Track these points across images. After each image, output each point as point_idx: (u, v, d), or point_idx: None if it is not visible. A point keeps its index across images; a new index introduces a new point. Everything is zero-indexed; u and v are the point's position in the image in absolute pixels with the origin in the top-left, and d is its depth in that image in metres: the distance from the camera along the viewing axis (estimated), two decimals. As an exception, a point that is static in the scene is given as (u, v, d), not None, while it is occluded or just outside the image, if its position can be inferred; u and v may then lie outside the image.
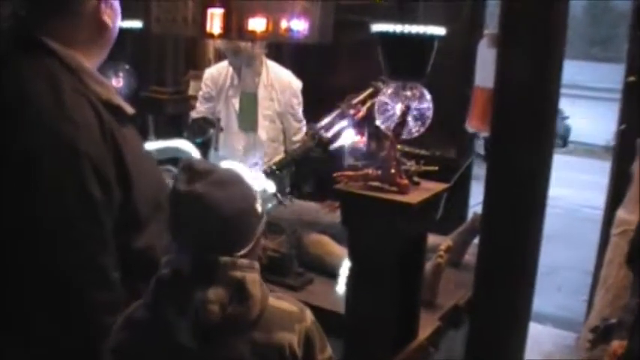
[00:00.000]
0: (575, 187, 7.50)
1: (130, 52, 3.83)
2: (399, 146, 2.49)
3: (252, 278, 1.71)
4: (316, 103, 3.92)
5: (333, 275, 2.96)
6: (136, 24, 3.52)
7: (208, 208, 1.68)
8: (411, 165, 2.49)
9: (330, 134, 3.31)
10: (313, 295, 2.86)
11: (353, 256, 2.49)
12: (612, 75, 6.95)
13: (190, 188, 1.68)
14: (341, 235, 3.02)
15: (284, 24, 3.09)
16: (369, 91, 3.25)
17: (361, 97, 3.28)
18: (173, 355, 1.69)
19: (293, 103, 4.09)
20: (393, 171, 2.39)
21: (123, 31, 2.13)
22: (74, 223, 1.80)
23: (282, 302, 1.80)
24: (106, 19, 1.98)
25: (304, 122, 4.10)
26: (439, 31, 2.56)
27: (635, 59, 4.20)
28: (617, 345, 2.58)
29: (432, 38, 2.57)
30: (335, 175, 2.48)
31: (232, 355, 1.69)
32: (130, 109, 1.97)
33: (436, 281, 2.81)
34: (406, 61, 2.62)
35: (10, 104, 1.82)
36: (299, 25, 3.06)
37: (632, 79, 4.11)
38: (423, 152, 2.86)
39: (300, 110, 4.13)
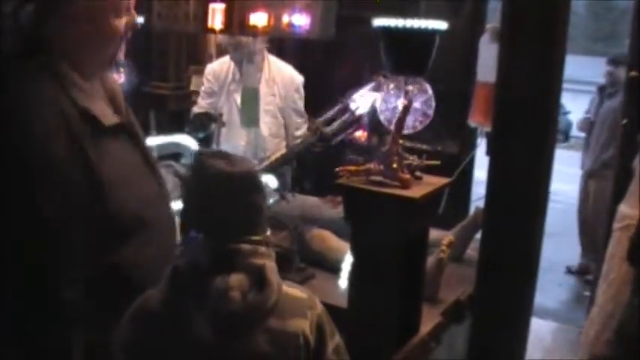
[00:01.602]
0: (576, 182, 7.47)
1: (131, 48, 3.83)
2: (400, 141, 2.49)
3: (271, 266, 1.75)
4: (318, 98, 3.92)
5: (335, 270, 2.95)
6: (138, 19, 3.52)
7: (251, 188, 1.74)
8: (413, 160, 2.48)
9: (331, 129, 3.31)
10: (315, 290, 2.83)
11: (355, 251, 2.49)
12: (614, 70, 6.91)
13: (243, 169, 1.73)
14: (343, 230, 3.02)
15: (285, 19, 3.10)
16: (371, 85, 3.25)
17: (363, 91, 3.28)
18: (189, 349, 1.69)
19: (295, 98, 4.09)
20: (395, 166, 2.38)
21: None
22: (22, 234, 1.74)
23: (293, 289, 1.83)
24: (79, 26, 1.88)
25: (306, 117, 4.09)
26: (441, 25, 2.56)
27: (637, 55, 4.19)
28: None
29: (433, 32, 2.56)
30: (337, 169, 2.47)
31: (250, 346, 1.70)
32: (107, 121, 1.88)
33: (438, 276, 2.81)
34: (408, 55, 2.62)
35: None
36: (301, 20, 3.05)
37: (634, 74, 4.10)
38: (425, 147, 2.86)
39: (301, 105, 4.13)
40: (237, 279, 1.66)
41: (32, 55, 1.85)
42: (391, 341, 2.50)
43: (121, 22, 1.96)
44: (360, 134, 3.61)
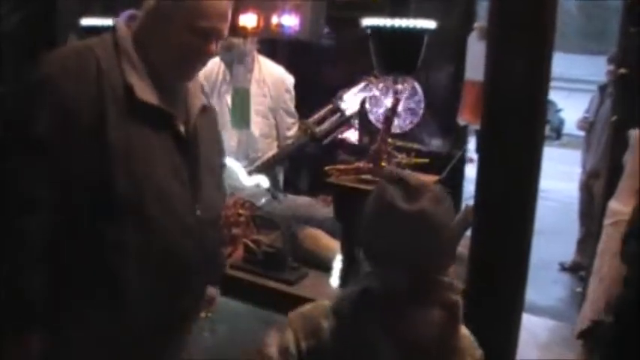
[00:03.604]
0: (569, 180, 7.47)
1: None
2: (390, 140, 2.50)
3: (461, 302, 1.68)
4: (309, 99, 3.93)
5: (327, 269, 2.96)
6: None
7: (436, 227, 1.63)
8: (402, 158, 2.50)
9: (322, 129, 3.33)
10: (308, 288, 2.87)
11: (346, 249, 2.50)
12: (604, 69, 6.95)
13: (419, 207, 1.61)
14: (335, 229, 3.04)
15: (275, 20, 3.11)
16: (361, 85, 3.27)
17: (353, 91, 3.29)
18: None
19: (285, 98, 4.08)
20: (384, 164, 2.40)
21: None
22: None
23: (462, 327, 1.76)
24: (155, 29, 2.00)
25: (297, 118, 4.09)
26: (429, 24, 2.57)
27: (626, 52, 4.22)
28: None
29: (422, 32, 2.58)
30: (326, 168, 2.49)
31: None
32: (143, 95, 1.93)
33: (429, 273, 2.82)
34: (397, 55, 2.64)
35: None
36: (290, 21, 3.07)
37: (623, 71, 4.13)
38: (416, 146, 2.87)
39: (292, 106, 4.12)
40: (437, 314, 1.62)
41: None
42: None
43: (200, 44, 2.00)
44: (351, 134, 3.63)
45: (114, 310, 1.92)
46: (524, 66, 2.55)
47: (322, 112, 3.35)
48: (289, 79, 4.08)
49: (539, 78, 2.60)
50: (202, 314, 2.37)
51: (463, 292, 2.79)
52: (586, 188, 6.77)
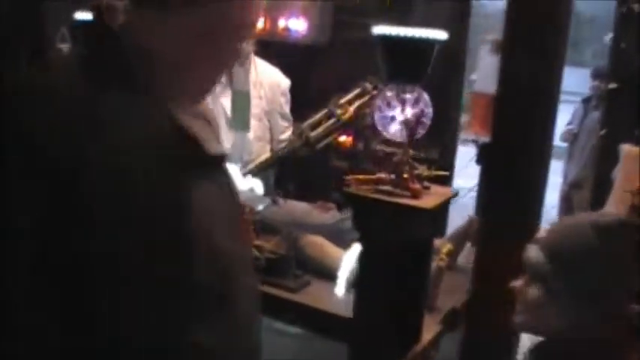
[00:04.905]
0: (552, 189, 7.56)
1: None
2: (411, 151, 2.50)
3: None
4: (304, 103, 3.90)
5: (330, 277, 2.93)
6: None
7: None
8: (422, 170, 2.49)
9: (316, 134, 3.30)
10: (311, 297, 2.84)
11: (364, 260, 2.49)
12: (577, 79, 7.04)
13: None
14: (333, 236, 3.02)
15: (282, 23, 3.08)
16: (357, 91, 3.25)
17: (349, 97, 3.27)
18: None
19: (281, 101, 4.05)
20: (406, 176, 2.39)
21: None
22: None
23: None
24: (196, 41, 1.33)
25: (291, 121, 4.07)
26: (441, 35, 2.58)
27: (617, 67, 4.29)
28: None
29: (433, 42, 2.58)
30: (346, 178, 2.47)
31: None
32: (212, 148, 1.31)
33: (437, 284, 2.81)
34: (407, 64, 2.63)
35: None
36: (298, 25, 3.04)
37: (613, 85, 4.20)
38: (413, 154, 2.87)
39: (287, 109, 4.09)
40: None
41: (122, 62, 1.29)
42: (394, 349, 2.50)
43: (240, 46, 1.49)
44: (345, 139, 3.61)
45: None
46: (536, 79, 2.56)
47: (317, 117, 3.32)
48: (285, 82, 4.05)
49: (551, 92, 2.62)
50: None
51: (465, 304, 2.82)
52: (567, 199, 6.85)
